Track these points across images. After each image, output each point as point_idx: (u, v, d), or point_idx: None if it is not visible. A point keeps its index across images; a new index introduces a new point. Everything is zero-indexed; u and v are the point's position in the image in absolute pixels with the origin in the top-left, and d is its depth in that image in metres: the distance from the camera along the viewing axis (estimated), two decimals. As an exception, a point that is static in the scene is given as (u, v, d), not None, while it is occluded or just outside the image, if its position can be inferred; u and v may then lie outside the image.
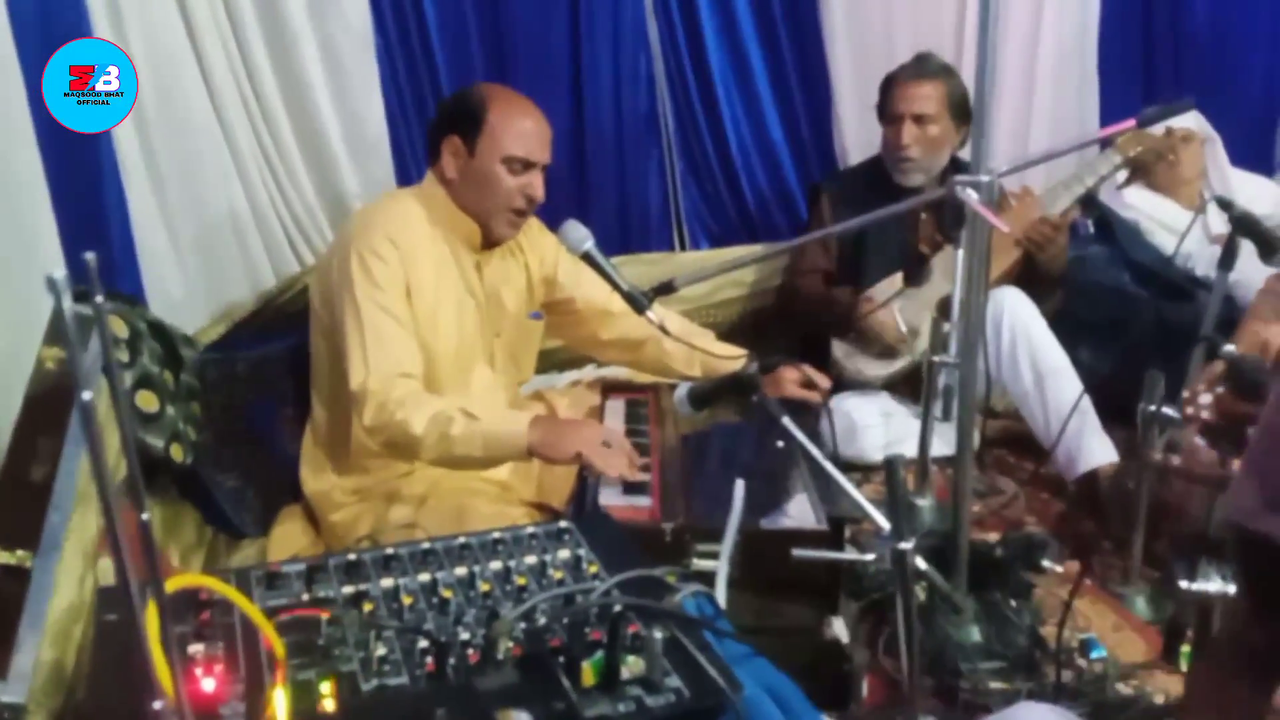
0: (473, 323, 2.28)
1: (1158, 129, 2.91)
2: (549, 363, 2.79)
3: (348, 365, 2.05)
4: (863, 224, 2.12)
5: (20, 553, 1.50)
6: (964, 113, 2.87)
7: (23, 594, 1.47)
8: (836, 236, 2.94)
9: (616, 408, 2.46)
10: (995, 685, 1.91)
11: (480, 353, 2.32)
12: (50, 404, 1.74)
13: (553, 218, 2.25)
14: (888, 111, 2.92)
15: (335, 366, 2.16)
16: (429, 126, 2.29)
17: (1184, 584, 1.64)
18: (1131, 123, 1.97)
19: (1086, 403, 2.53)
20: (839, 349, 2.95)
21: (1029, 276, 2.86)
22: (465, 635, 1.26)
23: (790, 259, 3.12)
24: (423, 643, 1.24)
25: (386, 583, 1.40)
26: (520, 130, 2.18)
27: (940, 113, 2.86)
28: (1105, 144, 2.95)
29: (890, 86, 2.92)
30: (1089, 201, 3.06)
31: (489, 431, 1.97)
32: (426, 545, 1.48)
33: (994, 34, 1.78)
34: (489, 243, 2.28)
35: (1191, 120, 3.07)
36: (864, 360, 2.92)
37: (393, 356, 2.04)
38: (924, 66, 2.90)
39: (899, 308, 2.78)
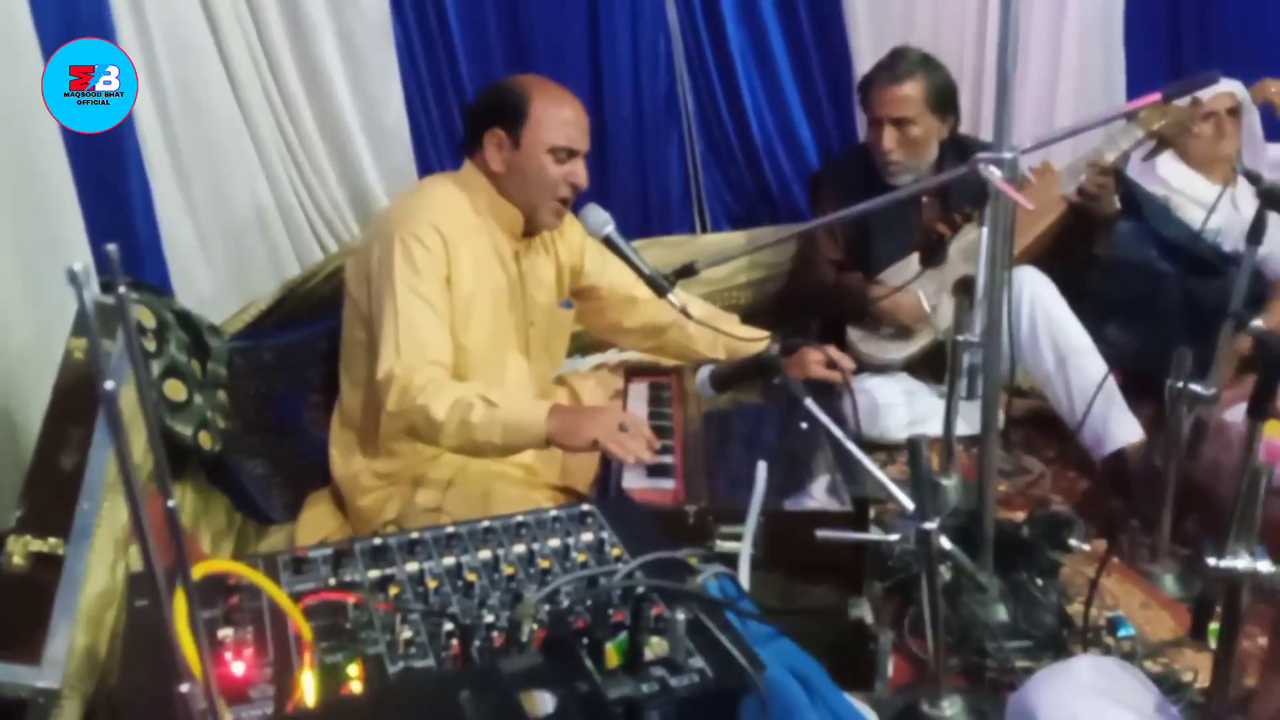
0: (508, 312, 2.30)
1: (1183, 101, 2.87)
2: (573, 347, 2.79)
3: (379, 349, 2.07)
4: (866, 210, 2.10)
5: (52, 540, 1.53)
6: (946, 104, 2.83)
7: (55, 581, 1.49)
8: (842, 225, 2.91)
9: (640, 391, 2.46)
10: (1022, 664, 1.91)
11: (514, 342, 2.34)
12: (79, 394, 1.76)
13: (573, 202, 2.26)
14: (868, 113, 2.88)
15: (368, 349, 2.18)
16: (467, 117, 2.31)
17: (1212, 561, 1.62)
18: (1157, 96, 1.93)
19: (1111, 382, 2.51)
20: (853, 333, 2.94)
21: (1081, 229, 2.81)
22: (489, 618, 1.28)
23: (797, 251, 3.09)
24: (448, 625, 1.25)
25: (412, 567, 1.41)
26: (563, 119, 2.20)
27: (920, 112, 2.80)
28: (1130, 119, 2.91)
29: (868, 89, 2.87)
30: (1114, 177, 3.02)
31: (508, 419, 1.97)
32: (451, 529, 1.49)
33: (1017, 9, 1.75)
34: (529, 231, 2.31)
35: (1237, 89, 3.01)
36: (877, 344, 2.91)
37: (422, 343, 2.05)
38: (899, 66, 2.82)
39: (919, 289, 2.76)
